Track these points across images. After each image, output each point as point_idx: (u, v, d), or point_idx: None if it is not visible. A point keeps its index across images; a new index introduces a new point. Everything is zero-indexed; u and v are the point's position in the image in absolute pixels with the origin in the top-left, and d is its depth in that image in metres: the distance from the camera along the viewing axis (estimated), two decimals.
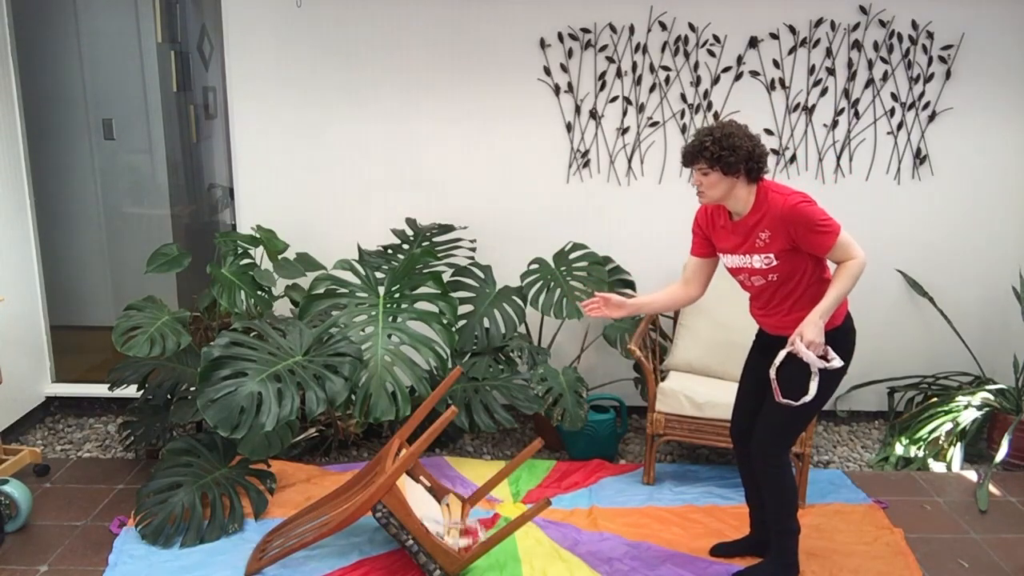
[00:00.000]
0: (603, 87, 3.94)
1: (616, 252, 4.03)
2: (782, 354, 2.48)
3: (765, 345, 2.71)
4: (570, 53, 3.90)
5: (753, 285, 2.61)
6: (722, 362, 3.59)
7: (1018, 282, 4.12)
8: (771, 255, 2.49)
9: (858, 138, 3.99)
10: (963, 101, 3.95)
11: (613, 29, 3.87)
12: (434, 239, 3.88)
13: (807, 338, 2.38)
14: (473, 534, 2.88)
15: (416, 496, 2.89)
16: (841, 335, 2.55)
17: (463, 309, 3.74)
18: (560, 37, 3.88)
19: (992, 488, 3.52)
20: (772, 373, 2.50)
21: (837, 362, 2.43)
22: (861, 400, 4.26)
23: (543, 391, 3.49)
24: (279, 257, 3.75)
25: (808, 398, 2.45)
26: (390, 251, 3.83)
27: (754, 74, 3.91)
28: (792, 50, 3.90)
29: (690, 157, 2.51)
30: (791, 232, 2.44)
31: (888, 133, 3.98)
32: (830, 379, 2.53)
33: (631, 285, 3.98)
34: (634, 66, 3.91)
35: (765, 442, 2.64)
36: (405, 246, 3.85)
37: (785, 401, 2.48)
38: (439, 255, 3.73)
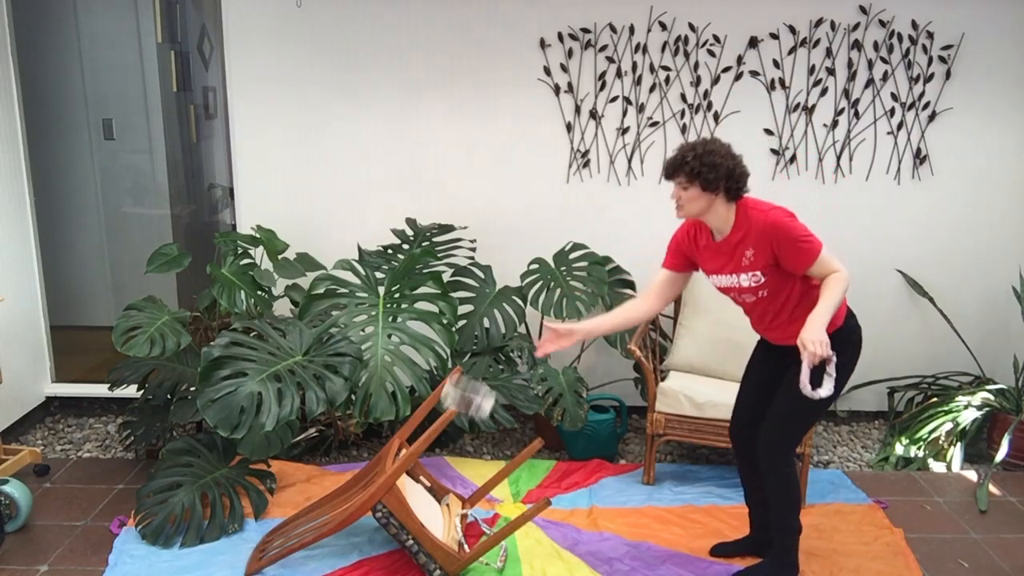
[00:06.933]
0: (603, 87, 3.94)
1: (616, 252, 4.02)
2: (805, 370, 2.41)
3: (770, 348, 2.72)
4: (570, 53, 3.90)
5: (745, 302, 2.62)
6: (722, 362, 3.59)
7: (1018, 282, 4.12)
8: (757, 272, 2.50)
9: (858, 138, 3.99)
10: (963, 101, 3.95)
11: (613, 29, 3.87)
12: (434, 239, 3.88)
13: (805, 338, 2.34)
14: (473, 534, 2.88)
15: (416, 496, 2.89)
16: (845, 335, 2.55)
17: (463, 309, 3.74)
18: (560, 37, 3.88)
19: (992, 488, 3.52)
20: (805, 389, 2.41)
21: (824, 391, 2.39)
22: (861, 400, 4.26)
23: (543, 391, 3.49)
24: (279, 257, 3.75)
25: (823, 393, 2.40)
26: (390, 251, 3.83)
27: (754, 74, 3.91)
28: (792, 50, 3.90)
29: (670, 170, 2.51)
30: (773, 248, 2.44)
31: (888, 133, 3.98)
32: (839, 378, 2.53)
33: (631, 285, 3.99)
34: (634, 66, 3.92)
35: (771, 443, 2.64)
36: (405, 246, 3.85)
37: (810, 394, 2.41)
38: (439, 255, 3.73)
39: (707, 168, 2.43)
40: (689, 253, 2.68)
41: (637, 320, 2.73)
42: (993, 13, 3.85)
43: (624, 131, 3.99)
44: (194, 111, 4.95)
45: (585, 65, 3.92)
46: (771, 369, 2.70)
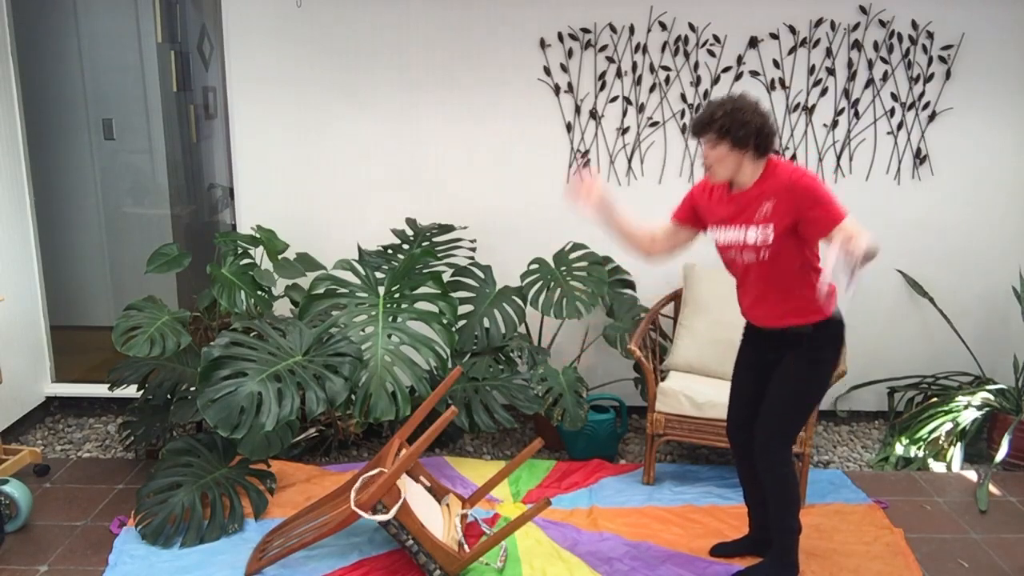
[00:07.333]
0: (603, 87, 3.94)
1: (616, 252, 4.02)
2: (831, 259, 2.20)
3: (754, 338, 2.71)
4: (570, 53, 3.90)
5: (743, 262, 2.55)
6: (722, 362, 3.58)
7: (1018, 282, 4.12)
8: (770, 227, 2.44)
9: (858, 138, 3.99)
10: (963, 101, 3.95)
11: (613, 29, 3.87)
12: (434, 239, 3.88)
13: (850, 234, 2.18)
14: (473, 534, 2.87)
15: (416, 496, 2.89)
16: (832, 326, 2.55)
17: (463, 309, 3.74)
18: (560, 37, 3.88)
19: (992, 488, 3.52)
20: (822, 285, 2.25)
21: (840, 290, 2.20)
22: (861, 400, 4.26)
23: (543, 391, 3.49)
24: (279, 257, 3.75)
25: (848, 294, 2.20)
26: (390, 251, 3.83)
27: (754, 74, 3.91)
28: (792, 50, 3.90)
29: (699, 128, 2.47)
30: (796, 203, 2.39)
31: (888, 133, 3.98)
32: (825, 373, 2.55)
33: (631, 285, 3.99)
34: (634, 66, 3.92)
35: (766, 441, 2.64)
36: (405, 246, 3.85)
37: (824, 290, 2.26)
38: (439, 255, 3.73)
39: (737, 125, 2.40)
40: (699, 205, 2.64)
41: (640, 248, 2.75)
42: (993, 13, 3.85)
43: (624, 131, 3.99)
44: (194, 111, 4.95)
45: (585, 65, 3.92)
46: (758, 372, 2.70)
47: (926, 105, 3.95)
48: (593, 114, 3.97)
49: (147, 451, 3.68)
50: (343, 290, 3.42)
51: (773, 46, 3.90)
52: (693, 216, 2.68)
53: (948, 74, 3.91)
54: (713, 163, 2.48)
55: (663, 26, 3.87)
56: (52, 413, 4.22)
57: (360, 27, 3.87)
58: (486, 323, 3.71)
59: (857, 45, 3.89)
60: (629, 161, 4.02)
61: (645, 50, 3.90)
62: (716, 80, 3.92)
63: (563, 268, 3.81)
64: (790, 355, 2.57)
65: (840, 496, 3.39)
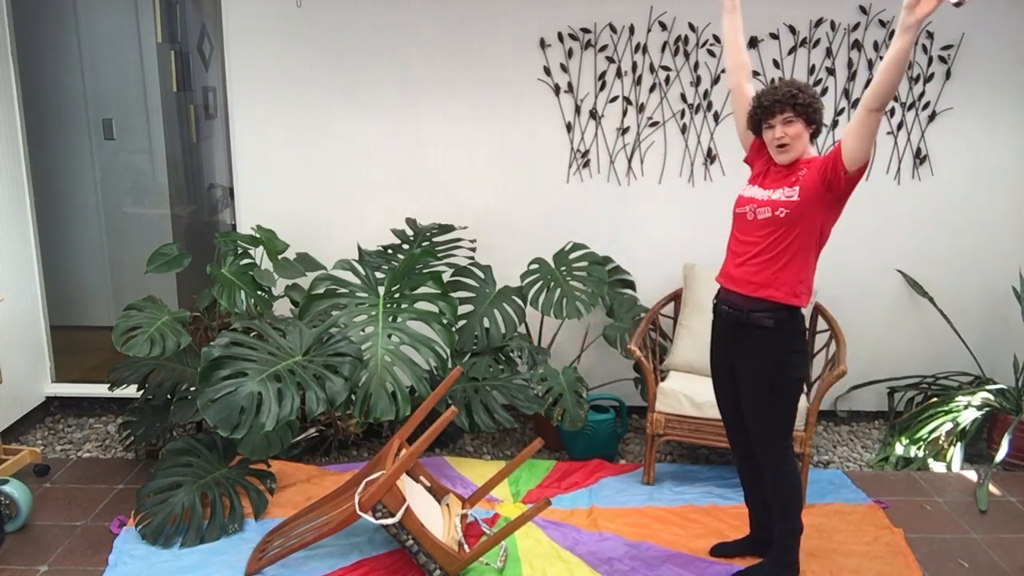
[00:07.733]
0: (603, 87, 3.94)
1: (616, 252, 4.03)
2: None
3: (721, 334, 2.72)
4: (570, 53, 3.90)
5: (756, 219, 2.54)
6: None
7: (1018, 282, 4.12)
8: (796, 189, 2.48)
9: None
10: (963, 101, 3.95)
11: (613, 29, 3.87)
12: (434, 239, 3.88)
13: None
14: (473, 534, 2.87)
15: (416, 496, 2.89)
16: (798, 320, 2.55)
17: (463, 309, 3.74)
18: (560, 37, 3.88)
19: (992, 488, 3.52)
20: None
21: None
22: (861, 400, 4.26)
23: (543, 391, 3.49)
24: (279, 257, 3.75)
25: None
26: (390, 251, 3.83)
27: (754, 74, 3.91)
28: (792, 50, 3.90)
29: (778, 106, 2.49)
30: (829, 161, 2.43)
31: (888, 133, 3.98)
32: (799, 364, 2.57)
33: (631, 285, 3.99)
34: (634, 66, 3.92)
35: (763, 445, 2.64)
36: (405, 246, 3.85)
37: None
38: (439, 255, 3.73)
39: (815, 99, 2.49)
40: (758, 155, 2.68)
41: (739, 54, 2.86)
42: (993, 13, 3.85)
43: (624, 131, 3.99)
44: (194, 111, 4.95)
45: (585, 65, 3.92)
46: (730, 385, 2.72)
47: (926, 105, 3.95)
48: (593, 114, 3.97)
49: (147, 451, 3.68)
50: (343, 290, 3.42)
51: (773, 46, 3.90)
52: (755, 151, 2.71)
53: (948, 74, 3.92)
54: (792, 141, 2.51)
55: (663, 26, 3.87)
56: (52, 413, 4.22)
57: (360, 27, 3.87)
58: (486, 323, 3.71)
59: (857, 45, 3.89)
60: (629, 161, 4.02)
61: (645, 50, 3.90)
62: (716, 80, 3.92)
63: (563, 268, 3.81)
64: (752, 356, 2.59)
65: (840, 496, 3.39)
